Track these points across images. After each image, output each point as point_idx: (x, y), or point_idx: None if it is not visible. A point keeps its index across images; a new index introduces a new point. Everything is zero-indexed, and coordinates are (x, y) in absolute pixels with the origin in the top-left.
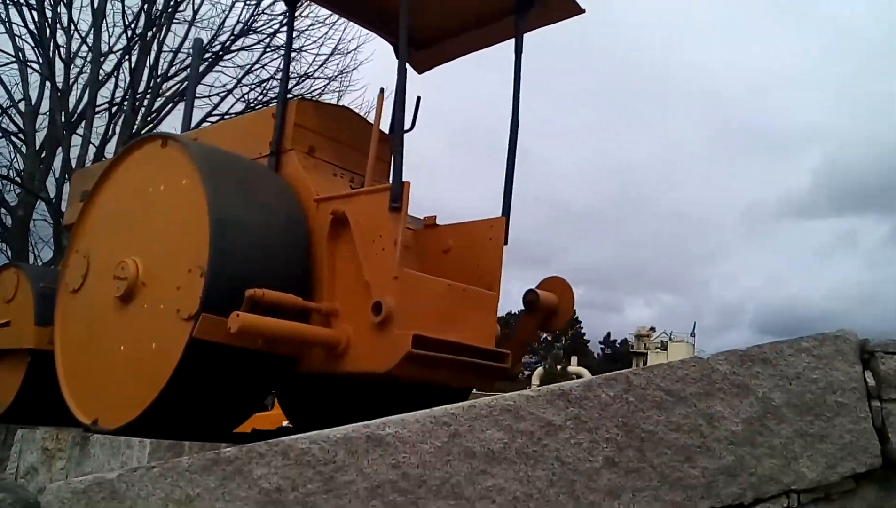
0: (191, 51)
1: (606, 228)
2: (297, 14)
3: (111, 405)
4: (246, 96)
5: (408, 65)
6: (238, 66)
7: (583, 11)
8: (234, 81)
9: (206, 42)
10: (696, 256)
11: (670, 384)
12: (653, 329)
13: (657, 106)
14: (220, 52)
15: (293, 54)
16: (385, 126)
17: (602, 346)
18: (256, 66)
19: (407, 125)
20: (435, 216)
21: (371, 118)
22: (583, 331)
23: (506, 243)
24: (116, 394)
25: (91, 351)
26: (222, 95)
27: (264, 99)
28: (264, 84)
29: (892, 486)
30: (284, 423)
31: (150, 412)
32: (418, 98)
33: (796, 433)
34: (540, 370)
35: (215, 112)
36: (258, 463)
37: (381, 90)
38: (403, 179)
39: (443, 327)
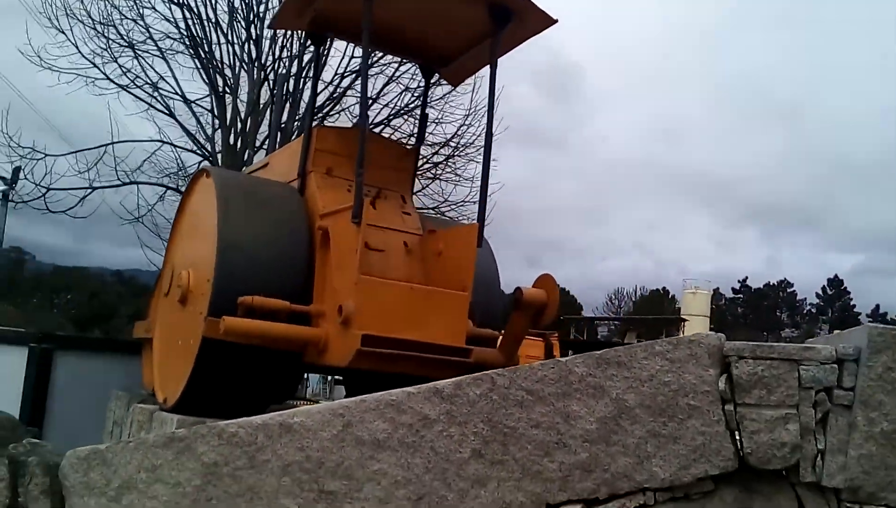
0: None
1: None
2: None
3: (172, 388)
4: (394, 102)
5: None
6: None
7: (555, 21)
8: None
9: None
10: None
11: (531, 385)
12: None
13: None
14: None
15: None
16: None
17: (870, 319)
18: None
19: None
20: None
21: None
22: (852, 302)
23: (479, 246)
24: (174, 379)
25: (168, 343)
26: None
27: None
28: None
29: (753, 489)
30: None
31: (185, 395)
32: (424, 116)
33: (649, 434)
34: None
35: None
36: (202, 442)
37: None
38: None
39: (405, 326)
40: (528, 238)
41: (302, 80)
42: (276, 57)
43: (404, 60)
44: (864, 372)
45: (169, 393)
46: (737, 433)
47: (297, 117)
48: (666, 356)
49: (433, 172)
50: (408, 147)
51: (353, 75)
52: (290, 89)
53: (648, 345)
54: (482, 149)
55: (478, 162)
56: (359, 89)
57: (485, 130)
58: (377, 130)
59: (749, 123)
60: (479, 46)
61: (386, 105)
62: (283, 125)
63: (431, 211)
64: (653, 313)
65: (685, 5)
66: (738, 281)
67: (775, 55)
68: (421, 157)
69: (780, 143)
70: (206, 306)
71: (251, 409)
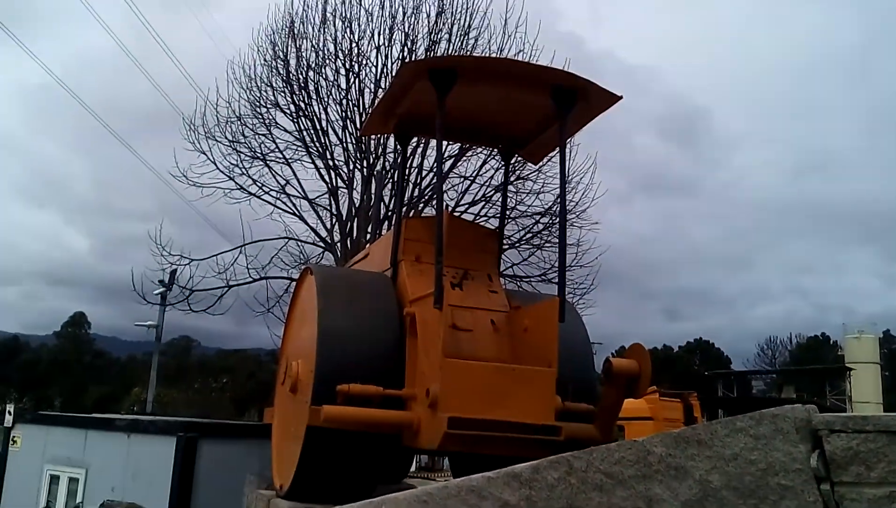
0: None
1: None
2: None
3: (286, 474)
4: (490, 181)
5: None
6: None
7: (620, 98)
8: (468, 179)
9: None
10: None
11: (609, 467)
12: None
13: None
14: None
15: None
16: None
17: None
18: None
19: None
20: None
21: None
22: None
23: (562, 320)
24: (288, 466)
25: (283, 430)
26: (462, 189)
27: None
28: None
29: None
30: None
31: (296, 481)
32: (506, 194)
33: None
34: None
35: (462, 202)
36: None
37: (446, 207)
38: None
39: (492, 406)
40: (666, 290)
41: (406, 172)
42: (376, 154)
43: None
44: None
45: (283, 480)
46: None
47: (402, 206)
48: (749, 432)
49: (534, 241)
50: (492, 229)
51: (451, 160)
52: (395, 181)
53: (729, 421)
54: (581, 213)
55: (578, 227)
56: (456, 174)
57: (587, 193)
58: (474, 207)
59: None
60: (554, 126)
61: (483, 184)
62: (391, 214)
63: (537, 279)
64: (812, 363)
65: (819, 32)
66: None
67: None
68: (522, 227)
69: None
70: (310, 395)
71: (359, 493)
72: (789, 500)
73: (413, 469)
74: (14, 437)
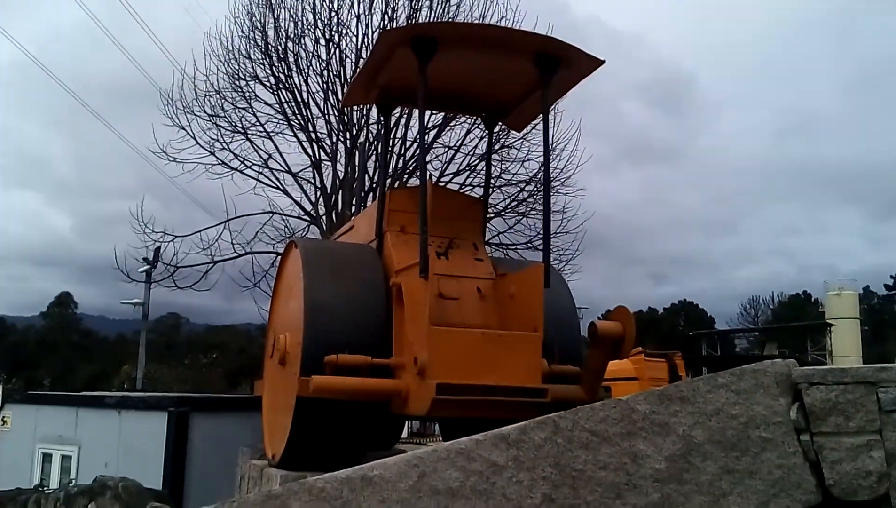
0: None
1: None
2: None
3: (278, 445)
4: (474, 149)
5: (509, 127)
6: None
7: (603, 62)
8: (453, 149)
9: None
10: None
11: (594, 426)
12: None
13: None
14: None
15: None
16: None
17: None
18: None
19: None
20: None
21: None
22: None
23: (547, 286)
24: (279, 436)
25: (274, 402)
26: (447, 159)
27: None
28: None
29: None
30: None
31: (288, 451)
32: (490, 163)
33: (722, 470)
34: None
35: (447, 172)
36: (294, 499)
37: (430, 177)
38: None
39: (479, 371)
40: (653, 255)
41: (389, 143)
42: (359, 126)
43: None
44: None
45: (276, 450)
46: (817, 463)
47: (386, 178)
48: (731, 387)
49: (519, 209)
50: (477, 198)
51: (435, 130)
52: (379, 152)
53: (711, 378)
54: (566, 180)
55: (563, 194)
56: (440, 144)
57: (572, 160)
58: (458, 177)
59: (888, 110)
60: (537, 92)
61: (468, 153)
62: (375, 186)
63: (523, 247)
64: (794, 321)
65: None
66: (892, 277)
67: None
68: (507, 196)
69: None
70: (298, 367)
71: (350, 459)
72: (770, 451)
73: (405, 434)
74: (4, 417)
